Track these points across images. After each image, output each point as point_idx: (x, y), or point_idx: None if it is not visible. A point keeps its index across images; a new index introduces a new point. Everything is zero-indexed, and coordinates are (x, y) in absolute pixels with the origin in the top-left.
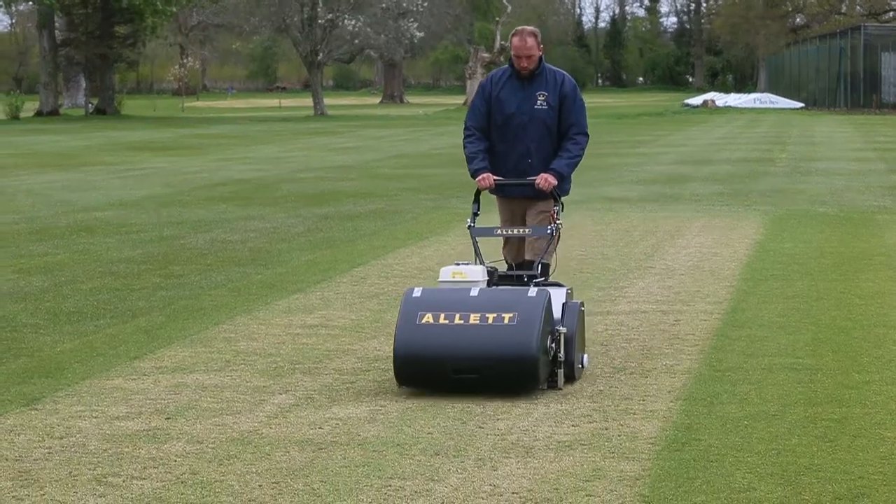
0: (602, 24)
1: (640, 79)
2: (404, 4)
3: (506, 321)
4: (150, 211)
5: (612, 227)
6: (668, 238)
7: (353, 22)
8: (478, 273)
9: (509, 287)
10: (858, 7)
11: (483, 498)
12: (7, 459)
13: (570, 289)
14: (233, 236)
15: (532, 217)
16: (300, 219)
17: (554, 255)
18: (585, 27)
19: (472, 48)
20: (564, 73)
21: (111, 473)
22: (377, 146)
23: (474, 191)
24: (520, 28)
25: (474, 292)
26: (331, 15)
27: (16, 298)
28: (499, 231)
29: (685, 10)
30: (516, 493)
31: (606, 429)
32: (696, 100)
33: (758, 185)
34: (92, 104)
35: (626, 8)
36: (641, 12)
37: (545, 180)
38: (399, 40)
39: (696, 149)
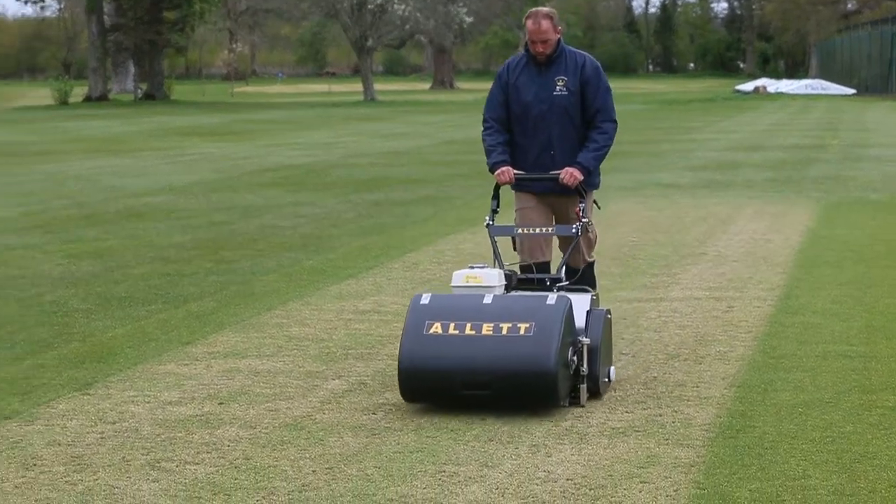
0: (652, 10)
1: (691, 65)
2: None
3: (522, 332)
4: (199, 196)
5: (664, 213)
6: (721, 225)
7: (402, 7)
8: (494, 277)
9: (526, 294)
10: None
11: (537, 484)
12: (60, 444)
13: (596, 294)
14: (283, 222)
15: (565, 219)
16: (351, 204)
17: (587, 255)
18: (636, 12)
19: (522, 33)
20: (586, 54)
21: (164, 458)
22: (427, 132)
23: (493, 185)
24: (533, 10)
25: (488, 299)
26: (380, 0)
27: (67, 283)
28: (520, 230)
29: None
30: (570, 480)
31: (660, 415)
32: (748, 86)
33: (810, 172)
34: (141, 89)
35: None
36: None
37: (570, 175)
38: (449, 25)
39: (747, 135)
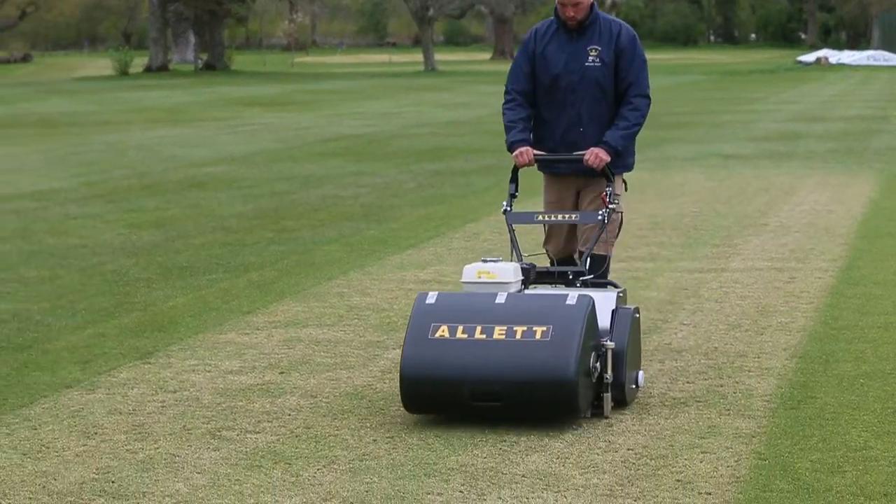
0: None
1: (753, 35)
2: None
3: (538, 336)
4: (260, 166)
5: (725, 183)
6: (782, 195)
7: None
8: (509, 272)
9: (544, 292)
10: None
11: (598, 454)
12: (121, 413)
13: (623, 290)
14: (344, 192)
15: (588, 202)
16: (412, 174)
17: (611, 248)
18: None
19: None
20: (622, 22)
21: (225, 427)
22: (488, 102)
23: (511, 167)
24: None
25: (501, 298)
26: None
27: (128, 253)
28: (539, 217)
29: None
30: (631, 450)
31: (721, 386)
32: (809, 57)
33: (872, 143)
34: (201, 59)
35: None
36: None
37: (595, 156)
38: None
39: (809, 106)
